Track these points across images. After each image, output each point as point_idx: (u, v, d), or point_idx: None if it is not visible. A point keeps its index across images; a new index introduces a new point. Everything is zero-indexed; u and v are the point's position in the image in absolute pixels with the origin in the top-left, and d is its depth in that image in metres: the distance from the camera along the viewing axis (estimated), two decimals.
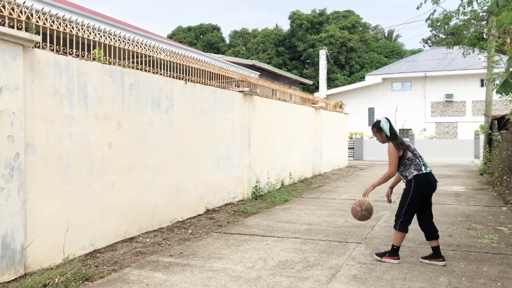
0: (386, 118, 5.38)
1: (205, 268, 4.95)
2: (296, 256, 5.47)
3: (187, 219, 7.74)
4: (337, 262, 5.20)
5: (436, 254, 5.17)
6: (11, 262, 4.53)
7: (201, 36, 55.37)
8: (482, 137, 20.49)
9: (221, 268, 4.97)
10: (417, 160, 5.18)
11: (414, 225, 7.02)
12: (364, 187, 12.47)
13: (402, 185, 5.37)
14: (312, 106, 15.61)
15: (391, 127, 5.30)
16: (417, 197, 5.13)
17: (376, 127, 5.40)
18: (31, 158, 4.82)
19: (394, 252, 5.22)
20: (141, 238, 6.37)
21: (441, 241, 6.16)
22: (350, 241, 6.23)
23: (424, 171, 5.14)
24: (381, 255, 5.28)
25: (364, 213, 5.50)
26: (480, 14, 12.38)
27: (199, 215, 8.13)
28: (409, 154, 5.20)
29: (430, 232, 5.23)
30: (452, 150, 25.09)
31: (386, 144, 5.38)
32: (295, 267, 5.00)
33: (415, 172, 5.13)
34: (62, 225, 5.22)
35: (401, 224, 5.17)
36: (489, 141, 16.98)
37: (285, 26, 58.39)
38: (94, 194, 5.70)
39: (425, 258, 5.24)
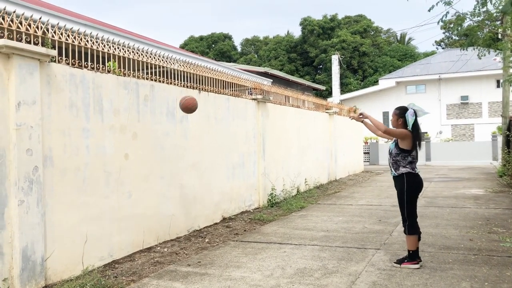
0: (415, 112, 5.14)
1: (223, 277, 4.94)
2: (315, 263, 5.43)
3: (204, 227, 7.74)
4: (356, 269, 5.15)
5: (411, 257, 5.20)
6: (32, 274, 4.58)
7: (213, 45, 55.75)
8: (499, 139, 20.19)
9: (240, 276, 4.96)
10: (415, 161, 5.24)
11: (433, 229, 6.93)
12: (381, 192, 12.40)
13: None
14: (326, 112, 15.56)
15: (415, 123, 5.12)
16: (412, 193, 5.18)
17: (400, 110, 5.21)
18: (49, 170, 4.88)
19: (412, 257, 5.15)
20: (159, 247, 6.39)
21: (462, 246, 6.07)
22: (368, 247, 6.16)
23: (416, 172, 5.23)
24: (400, 261, 5.21)
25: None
26: (494, 14, 12.22)
27: (216, 223, 8.13)
28: (414, 153, 5.22)
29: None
30: (469, 153, 24.75)
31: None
32: (313, 275, 4.96)
33: (409, 170, 5.17)
34: (81, 236, 5.26)
35: (410, 228, 5.17)
36: (507, 143, 16.69)
37: (297, 32, 58.47)
38: (111, 205, 5.74)
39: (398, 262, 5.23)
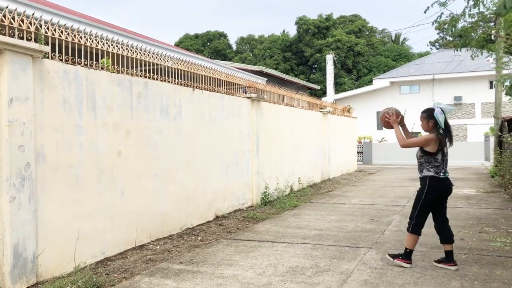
0: (442, 110, 5.04)
1: (215, 275, 4.95)
2: (307, 261, 5.45)
3: (197, 226, 7.74)
4: (348, 267, 5.17)
5: (448, 258, 5.12)
6: (23, 271, 4.56)
7: (208, 43, 55.66)
8: (492, 139, 20.31)
9: (232, 274, 4.97)
10: (442, 164, 5.07)
11: (426, 228, 6.97)
12: (374, 191, 12.46)
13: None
14: (320, 111, 15.59)
15: (446, 121, 5.03)
16: (431, 198, 5.06)
17: (428, 112, 5.13)
18: (42, 167, 4.86)
19: (407, 256, 5.17)
20: (151, 245, 6.38)
21: (453, 245, 6.11)
22: (360, 246, 6.19)
23: (441, 176, 5.04)
24: (394, 256, 5.24)
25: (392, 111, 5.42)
26: (488, 15, 12.30)
27: (209, 221, 8.13)
28: (440, 157, 5.06)
29: (444, 235, 5.17)
30: (462, 153, 24.86)
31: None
32: (305, 273, 4.98)
33: (433, 174, 5.04)
34: (73, 233, 5.25)
35: (414, 227, 5.13)
36: (500, 143, 16.83)
37: (292, 31, 58.48)
38: (104, 202, 5.73)
39: (438, 261, 5.19)
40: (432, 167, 5.06)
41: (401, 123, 5.45)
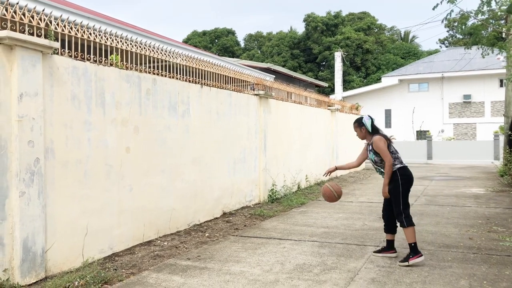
0: (369, 116, 5.64)
1: (222, 272, 4.96)
2: (314, 259, 5.44)
3: (204, 222, 7.76)
4: (355, 266, 5.16)
5: (390, 247, 5.50)
6: (32, 265, 4.60)
7: (216, 40, 55.67)
8: (502, 138, 20.14)
9: (239, 271, 4.97)
10: (398, 155, 5.39)
11: (434, 227, 6.94)
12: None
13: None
14: (328, 109, 15.54)
15: (373, 124, 5.52)
16: (406, 186, 5.31)
17: (358, 122, 5.63)
18: (51, 162, 4.89)
19: (415, 250, 5.15)
20: (159, 241, 6.41)
21: (461, 244, 6.08)
22: (368, 244, 6.17)
23: (405, 165, 5.42)
24: (406, 259, 5.16)
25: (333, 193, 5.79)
26: (499, 13, 12.17)
27: (216, 218, 8.15)
28: (393, 148, 5.42)
29: (393, 225, 5.47)
30: (471, 152, 24.71)
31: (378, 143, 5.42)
32: (312, 271, 4.97)
33: (399, 165, 5.35)
34: (81, 228, 5.28)
35: (406, 220, 5.22)
36: (509, 142, 16.63)
37: (300, 29, 58.44)
38: (112, 198, 5.76)
39: (378, 252, 5.55)
40: (394, 160, 5.33)
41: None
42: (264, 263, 5.29)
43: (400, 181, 5.27)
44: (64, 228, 5.05)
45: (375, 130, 5.52)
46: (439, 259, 5.35)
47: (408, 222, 5.19)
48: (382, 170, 5.44)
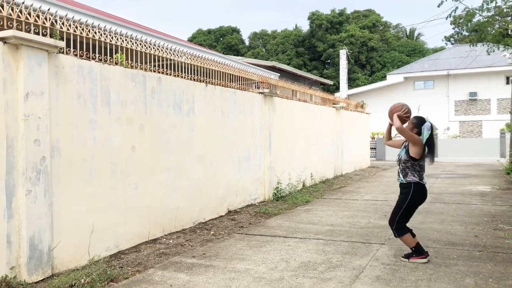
0: (431, 127, 5.05)
1: (227, 269, 4.97)
2: (319, 257, 5.45)
3: (209, 220, 7.78)
4: (360, 263, 5.16)
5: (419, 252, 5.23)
6: (39, 263, 4.64)
7: (221, 39, 55.65)
8: (508, 136, 20.04)
9: (244, 269, 4.99)
10: (423, 171, 5.18)
11: (439, 225, 6.92)
12: (387, 187, 12.38)
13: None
14: (333, 106, 15.51)
15: (430, 138, 5.03)
16: (413, 202, 5.14)
17: (418, 121, 5.12)
18: (57, 161, 4.92)
19: (419, 252, 5.15)
20: (164, 239, 6.43)
21: (467, 242, 6.06)
22: (373, 242, 6.17)
23: (424, 183, 5.18)
24: (408, 256, 5.20)
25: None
26: (505, 10, 12.09)
27: (221, 216, 8.16)
28: (423, 163, 5.17)
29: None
30: (477, 149, 24.61)
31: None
32: (317, 268, 4.98)
33: (417, 180, 5.12)
34: (87, 227, 5.31)
35: (399, 231, 5.17)
36: None
37: (305, 26, 58.15)
38: (117, 196, 5.79)
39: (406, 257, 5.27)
40: (416, 172, 5.12)
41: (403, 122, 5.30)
42: (269, 261, 5.30)
43: (411, 195, 5.09)
44: (70, 226, 5.08)
45: (428, 144, 5.08)
46: (444, 257, 5.34)
47: (399, 233, 5.17)
48: (401, 174, 5.18)
